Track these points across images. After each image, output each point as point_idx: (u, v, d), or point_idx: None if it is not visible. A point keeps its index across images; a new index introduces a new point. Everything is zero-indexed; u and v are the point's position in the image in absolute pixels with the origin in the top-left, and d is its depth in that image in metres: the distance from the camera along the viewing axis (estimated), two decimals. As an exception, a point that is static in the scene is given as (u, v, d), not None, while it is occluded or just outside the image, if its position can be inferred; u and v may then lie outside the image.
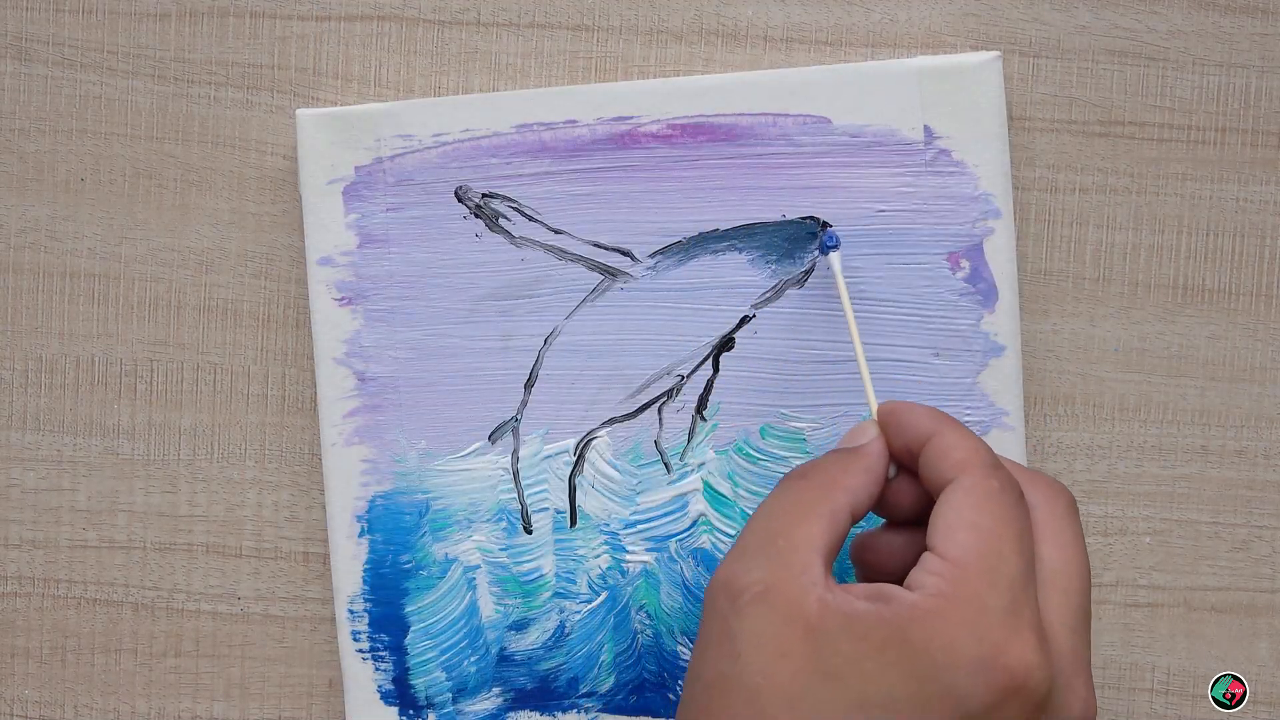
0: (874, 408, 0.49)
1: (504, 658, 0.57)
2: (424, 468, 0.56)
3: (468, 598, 0.57)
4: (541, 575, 0.57)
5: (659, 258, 0.56)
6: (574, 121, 0.56)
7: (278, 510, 0.58)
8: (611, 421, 0.56)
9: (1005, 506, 0.44)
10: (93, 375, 0.58)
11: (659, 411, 0.56)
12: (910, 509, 0.48)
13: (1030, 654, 0.42)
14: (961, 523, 0.44)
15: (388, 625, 0.57)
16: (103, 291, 0.58)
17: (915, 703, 0.42)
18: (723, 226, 0.56)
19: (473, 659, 0.57)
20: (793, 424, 0.56)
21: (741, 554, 0.45)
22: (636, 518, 0.57)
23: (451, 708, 0.57)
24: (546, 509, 0.57)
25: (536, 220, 0.56)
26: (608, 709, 0.57)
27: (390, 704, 0.57)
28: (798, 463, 0.56)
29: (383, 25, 0.57)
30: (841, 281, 0.52)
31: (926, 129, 0.55)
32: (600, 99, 0.55)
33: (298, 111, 0.56)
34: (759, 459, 0.56)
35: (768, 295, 0.56)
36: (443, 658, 0.57)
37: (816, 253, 0.55)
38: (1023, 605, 0.43)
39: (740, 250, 0.56)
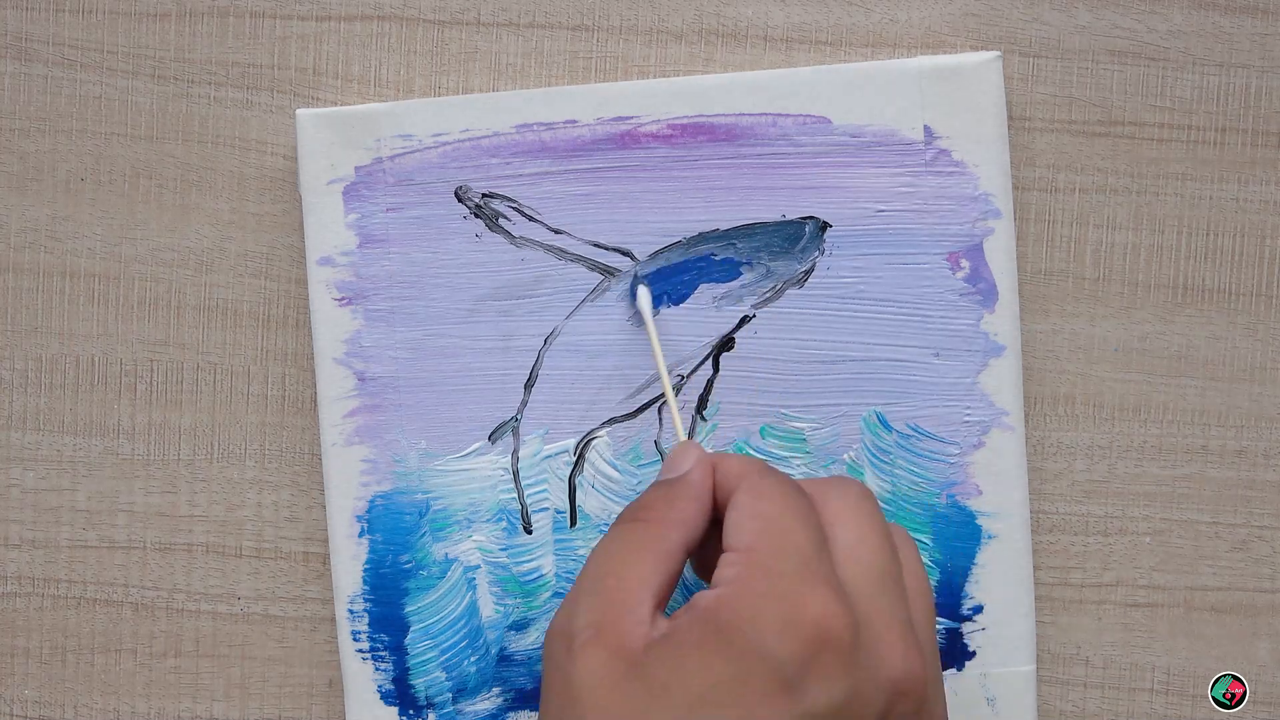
0: (681, 433, 0.52)
1: (504, 658, 0.57)
2: (424, 468, 0.56)
3: (468, 598, 0.57)
4: (541, 575, 0.57)
5: (659, 258, 0.56)
6: (574, 121, 0.56)
7: (278, 510, 0.58)
8: (611, 421, 0.56)
9: (784, 494, 0.46)
10: (93, 375, 0.58)
11: (659, 411, 0.56)
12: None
13: (828, 602, 0.43)
14: (745, 515, 0.46)
15: (388, 625, 0.57)
16: (103, 291, 0.58)
17: (740, 684, 0.43)
18: (723, 226, 0.56)
19: (473, 659, 0.57)
20: (793, 424, 0.56)
21: (574, 600, 0.46)
22: (636, 518, 0.57)
23: (451, 708, 0.57)
24: (546, 509, 0.57)
25: (536, 220, 0.56)
26: (608, 709, 0.57)
27: (390, 704, 0.57)
28: (797, 463, 0.56)
29: (383, 25, 0.57)
30: (649, 315, 0.55)
31: (927, 129, 0.55)
32: (600, 99, 0.55)
33: (298, 111, 0.56)
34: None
35: (768, 295, 0.56)
36: (443, 658, 0.57)
37: (816, 255, 0.55)
38: (814, 567, 0.44)
39: (740, 250, 0.56)
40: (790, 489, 0.47)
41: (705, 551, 0.49)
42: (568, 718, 0.44)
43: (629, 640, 0.44)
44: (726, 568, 0.45)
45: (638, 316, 0.55)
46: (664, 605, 0.46)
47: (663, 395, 0.56)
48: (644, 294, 0.55)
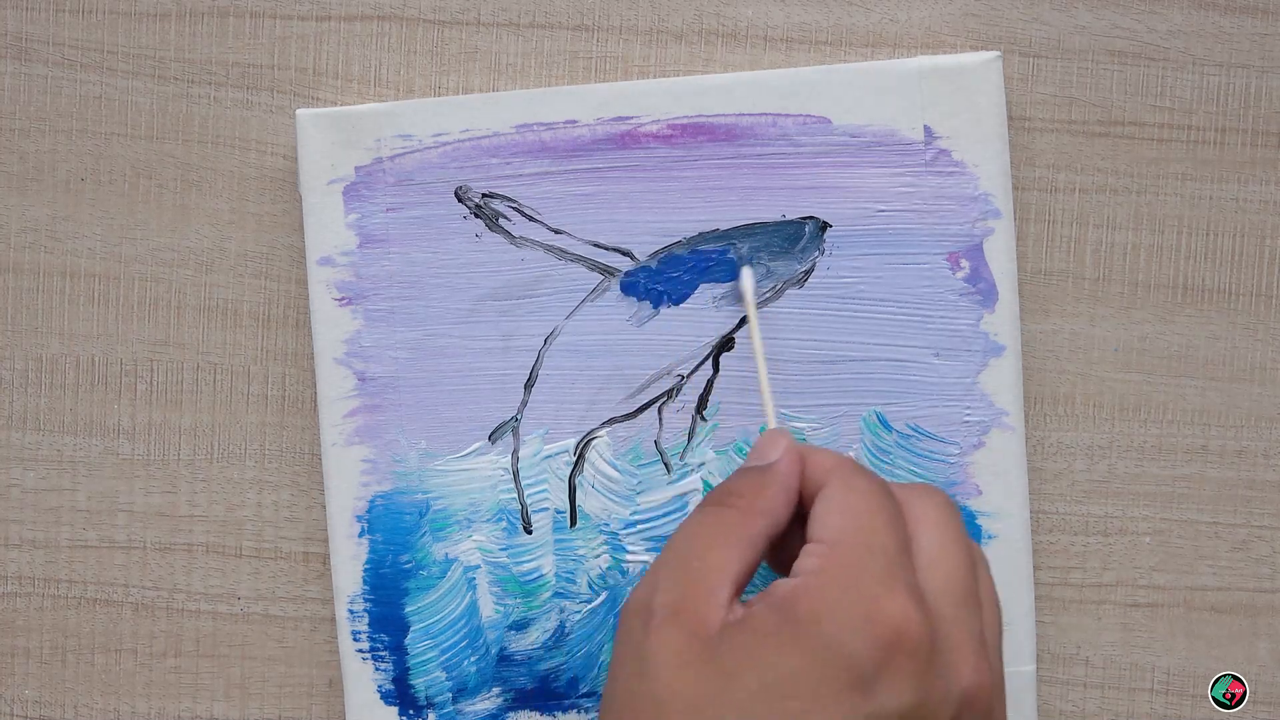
0: (772, 419, 0.51)
1: (504, 658, 0.57)
2: (424, 468, 0.56)
3: (468, 598, 0.57)
4: (541, 575, 0.57)
5: (659, 258, 0.56)
6: (574, 121, 0.56)
7: (278, 510, 0.58)
8: (611, 421, 0.56)
9: (874, 494, 0.46)
10: (93, 375, 0.58)
11: (659, 411, 0.56)
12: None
13: (907, 606, 0.44)
14: (833, 509, 0.46)
15: (388, 625, 0.57)
16: (103, 291, 0.58)
17: (812, 676, 0.43)
18: (723, 226, 0.56)
19: (473, 659, 0.57)
20: (793, 424, 0.56)
21: (656, 578, 0.46)
22: (637, 518, 0.57)
23: (451, 708, 0.57)
24: (546, 509, 0.57)
25: (536, 220, 0.56)
26: (608, 709, 0.57)
27: (390, 704, 0.57)
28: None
29: (383, 25, 0.57)
30: (751, 301, 0.54)
31: (926, 129, 0.55)
32: (600, 99, 0.55)
33: (298, 111, 0.56)
34: (759, 459, 0.56)
35: (768, 295, 0.56)
36: (443, 658, 0.57)
37: (816, 255, 0.55)
38: (897, 570, 0.45)
39: (740, 250, 0.56)
40: (880, 488, 0.47)
41: (782, 541, 0.49)
42: (639, 692, 0.44)
43: (706, 622, 0.44)
44: (809, 558, 0.45)
45: (731, 294, 0.55)
46: (741, 591, 0.46)
47: (662, 395, 0.56)
48: (747, 275, 0.55)
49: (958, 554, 0.46)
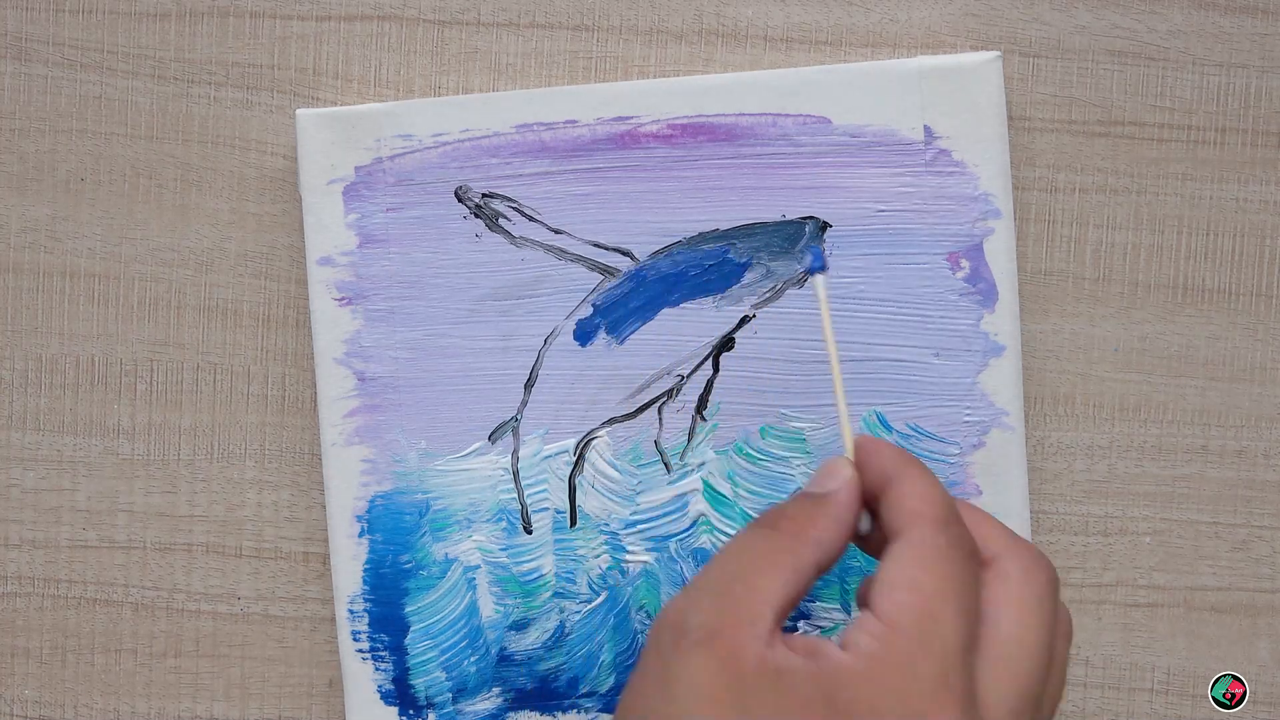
0: (849, 444, 0.47)
1: (504, 658, 0.57)
2: (424, 468, 0.56)
3: (468, 598, 0.57)
4: (541, 575, 0.57)
5: (659, 257, 0.56)
6: (574, 121, 0.56)
7: (278, 510, 0.58)
8: (611, 421, 0.56)
9: (951, 565, 0.43)
10: (93, 375, 0.58)
11: (659, 411, 0.56)
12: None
13: None
14: (902, 580, 0.43)
15: (388, 625, 0.57)
16: (103, 291, 0.58)
17: None
18: (723, 226, 0.56)
19: (473, 659, 0.57)
20: (793, 424, 0.56)
21: (695, 595, 0.44)
22: (636, 518, 0.57)
23: (451, 708, 0.57)
24: (546, 509, 0.57)
25: (536, 220, 0.56)
26: (608, 709, 0.57)
27: (390, 704, 0.57)
28: (797, 463, 0.56)
29: (383, 25, 0.57)
30: (826, 308, 0.49)
31: (926, 129, 0.55)
32: (600, 99, 0.55)
33: (298, 111, 0.56)
34: (759, 459, 0.56)
35: (768, 295, 0.56)
36: (443, 658, 0.57)
37: (809, 263, 0.55)
38: (954, 676, 0.41)
39: (740, 250, 0.56)
40: (959, 557, 0.43)
41: (873, 545, 0.46)
42: (658, 708, 0.42)
43: (742, 653, 0.42)
44: (862, 634, 0.42)
45: (805, 297, 0.54)
46: (783, 621, 0.43)
47: (662, 395, 0.56)
48: (820, 283, 0.49)
49: (1033, 647, 0.43)
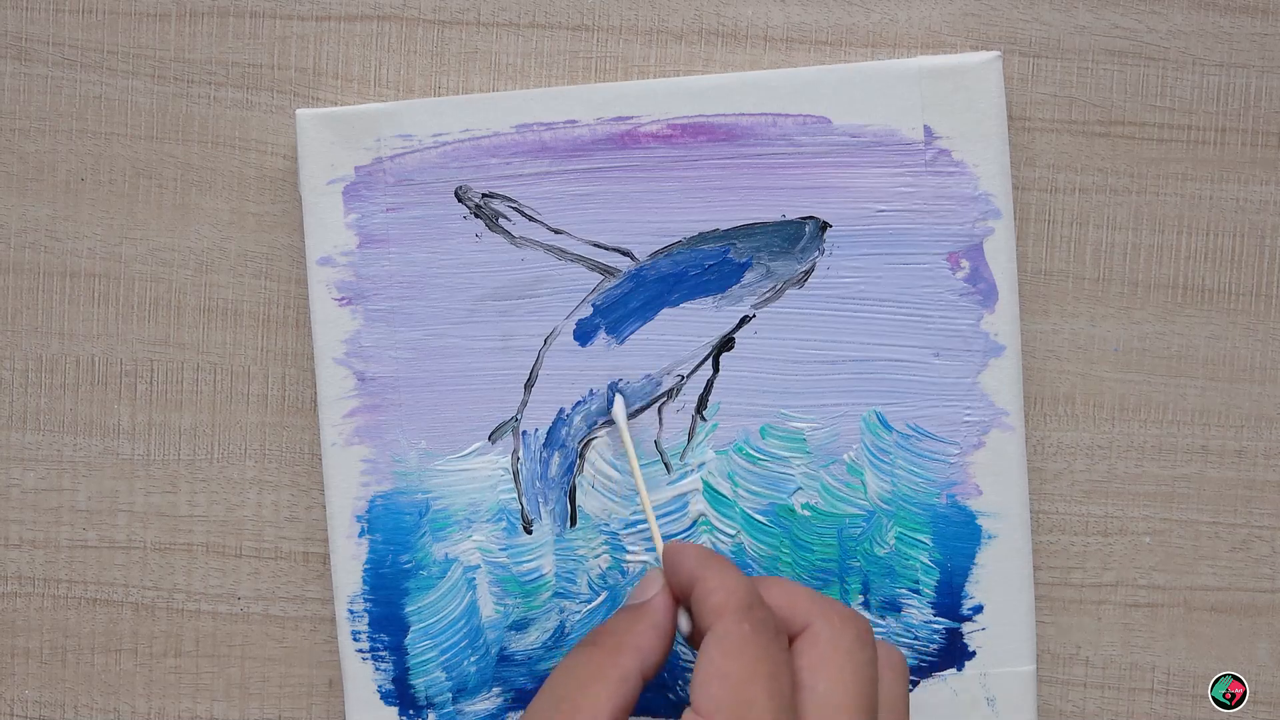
0: (660, 552, 0.50)
1: (504, 658, 0.57)
2: (424, 468, 0.56)
3: (468, 598, 0.57)
4: (541, 575, 0.57)
5: (659, 258, 0.56)
6: (574, 121, 0.56)
7: (278, 510, 0.58)
8: (612, 422, 0.56)
9: (757, 648, 0.45)
10: (93, 375, 0.58)
11: (659, 411, 0.56)
12: None
13: None
14: (713, 673, 0.44)
15: (388, 625, 0.57)
16: (103, 291, 0.58)
17: None
18: (723, 226, 0.56)
19: (473, 659, 0.57)
20: (793, 424, 0.56)
21: (529, 718, 0.46)
22: (636, 518, 0.57)
23: (451, 708, 0.57)
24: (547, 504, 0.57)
25: (536, 220, 0.56)
26: (608, 709, 0.57)
27: (390, 704, 0.57)
28: (797, 463, 0.56)
29: (383, 25, 0.57)
30: (627, 435, 0.54)
31: (926, 129, 0.55)
32: (600, 99, 0.55)
33: (298, 111, 0.56)
34: (759, 459, 0.56)
35: (768, 295, 0.56)
36: (443, 658, 0.57)
37: (816, 255, 0.55)
38: None
39: (740, 250, 0.56)
40: (764, 640, 0.45)
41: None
42: None
43: None
44: None
45: (610, 422, 0.56)
46: None
47: (662, 395, 0.56)
48: (620, 404, 0.55)
49: (851, 699, 0.45)
